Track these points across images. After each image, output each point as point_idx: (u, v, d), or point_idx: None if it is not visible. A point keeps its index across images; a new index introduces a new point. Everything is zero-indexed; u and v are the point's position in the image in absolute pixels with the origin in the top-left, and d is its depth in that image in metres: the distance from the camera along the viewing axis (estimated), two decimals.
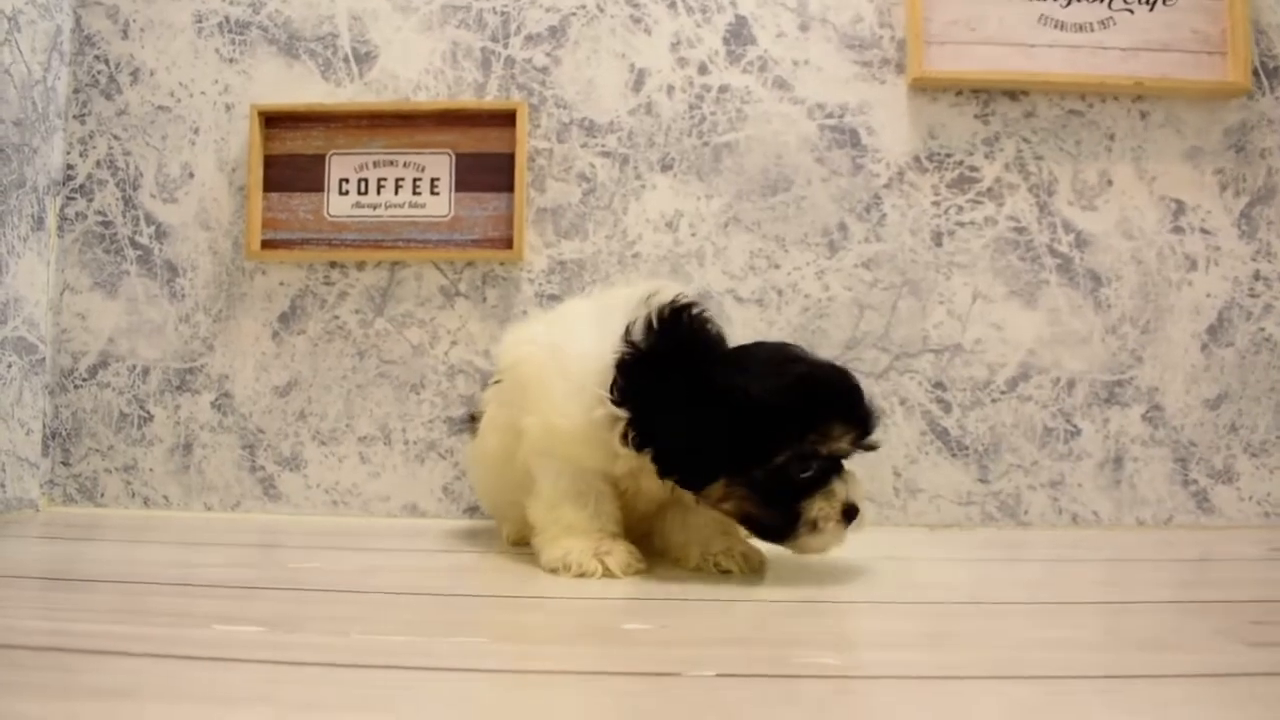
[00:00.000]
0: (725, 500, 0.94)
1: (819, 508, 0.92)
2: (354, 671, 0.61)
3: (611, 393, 0.93)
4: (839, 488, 0.93)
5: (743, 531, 1.02)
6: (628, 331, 0.95)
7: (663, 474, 0.93)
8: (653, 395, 0.92)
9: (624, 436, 0.93)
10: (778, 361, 0.95)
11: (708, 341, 0.99)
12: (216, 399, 1.51)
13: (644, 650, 0.68)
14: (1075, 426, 1.45)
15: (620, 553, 0.98)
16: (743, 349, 0.99)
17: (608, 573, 0.95)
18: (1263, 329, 1.46)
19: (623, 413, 0.92)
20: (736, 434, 0.89)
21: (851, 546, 1.22)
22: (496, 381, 1.13)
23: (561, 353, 0.99)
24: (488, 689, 0.59)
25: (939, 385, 1.46)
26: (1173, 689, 0.59)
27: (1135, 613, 0.84)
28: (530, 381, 1.01)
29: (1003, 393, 1.46)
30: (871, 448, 0.96)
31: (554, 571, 0.98)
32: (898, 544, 1.26)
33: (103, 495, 1.51)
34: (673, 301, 0.98)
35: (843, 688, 0.59)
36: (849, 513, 0.93)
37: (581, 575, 0.95)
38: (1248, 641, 0.69)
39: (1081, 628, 0.77)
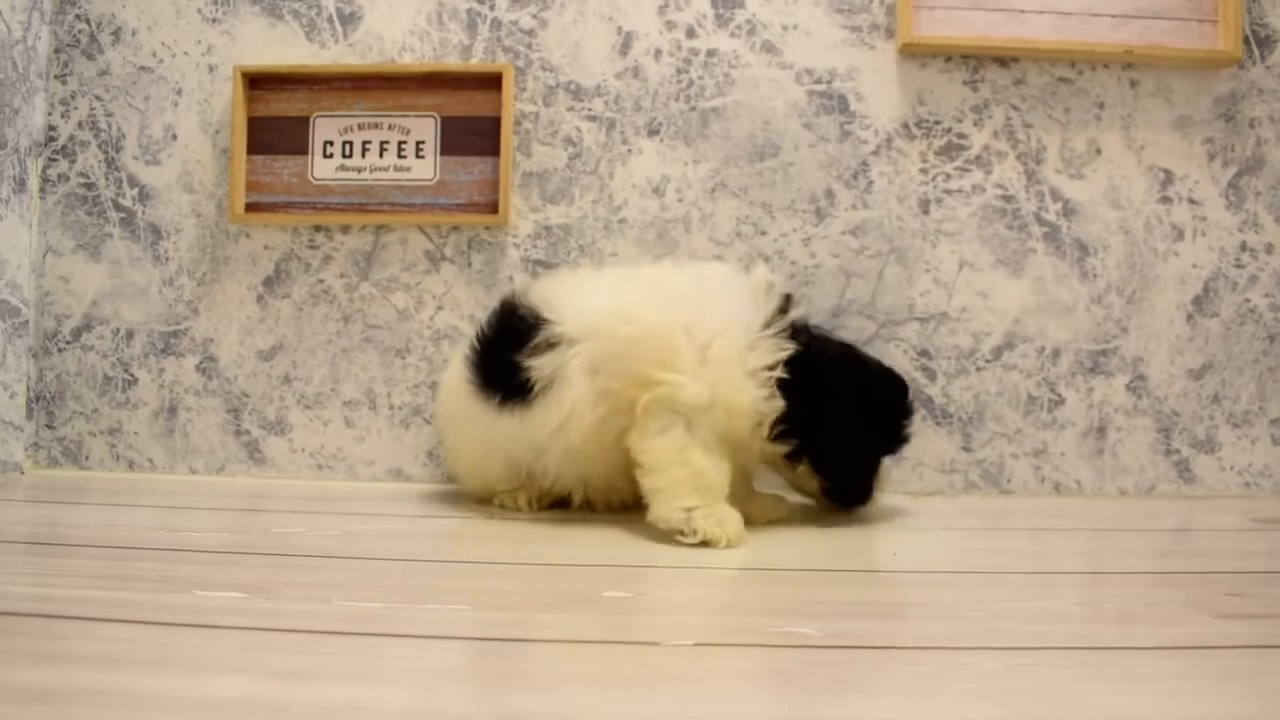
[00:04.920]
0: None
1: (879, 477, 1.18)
2: (334, 639, 0.62)
3: (779, 385, 1.02)
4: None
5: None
6: (794, 330, 1.06)
7: (817, 470, 1.09)
8: (805, 395, 1.04)
9: (772, 426, 1.03)
10: (869, 366, 1.20)
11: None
12: (201, 362, 1.50)
13: (623, 619, 0.69)
14: (1059, 395, 1.46)
15: (734, 520, 0.99)
16: (831, 350, 1.14)
17: (729, 543, 0.96)
18: (1248, 300, 1.47)
19: (780, 404, 1.02)
20: (877, 437, 1.16)
21: (833, 515, 1.24)
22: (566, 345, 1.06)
23: (740, 334, 1.04)
24: (468, 657, 0.60)
25: (924, 353, 1.46)
26: (1142, 661, 0.60)
27: (1111, 583, 0.85)
28: (681, 348, 1.02)
29: (988, 361, 1.46)
30: None
31: (677, 531, 0.97)
32: (880, 512, 1.27)
33: (87, 458, 1.51)
34: (798, 302, 1.11)
35: (820, 657, 0.60)
36: None
37: (705, 544, 0.95)
38: (1219, 614, 0.70)
39: (1057, 599, 0.78)
